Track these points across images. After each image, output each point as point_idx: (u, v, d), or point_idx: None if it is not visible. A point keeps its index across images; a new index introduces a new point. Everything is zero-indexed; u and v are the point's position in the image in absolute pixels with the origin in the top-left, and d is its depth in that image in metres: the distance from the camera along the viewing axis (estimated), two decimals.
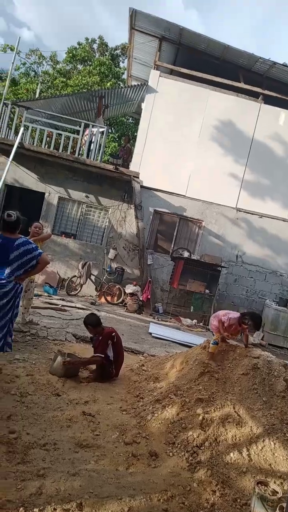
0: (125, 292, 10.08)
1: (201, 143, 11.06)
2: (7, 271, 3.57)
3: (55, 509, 2.24)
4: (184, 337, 7.71)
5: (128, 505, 2.39)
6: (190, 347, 5.88)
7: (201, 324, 10.04)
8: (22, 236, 3.82)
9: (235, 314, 4.45)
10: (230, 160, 11.14)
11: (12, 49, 16.47)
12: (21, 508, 2.19)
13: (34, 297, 6.58)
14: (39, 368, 4.38)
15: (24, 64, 21.13)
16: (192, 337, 7.85)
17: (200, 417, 3.27)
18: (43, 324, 6.15)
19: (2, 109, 10.50)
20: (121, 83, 19.61)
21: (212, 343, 4.24)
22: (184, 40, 11.06)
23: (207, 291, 10.33)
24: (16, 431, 3.01)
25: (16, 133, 10.19)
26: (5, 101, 10.60)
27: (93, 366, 4.61)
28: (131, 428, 3.36)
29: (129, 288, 10.06)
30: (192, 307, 10.35)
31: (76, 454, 2.89)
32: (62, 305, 7.94)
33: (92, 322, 4.63)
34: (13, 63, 11.65)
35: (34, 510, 2.20)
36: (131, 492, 2.52)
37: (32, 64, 21.38)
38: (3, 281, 3.54)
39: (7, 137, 10.46)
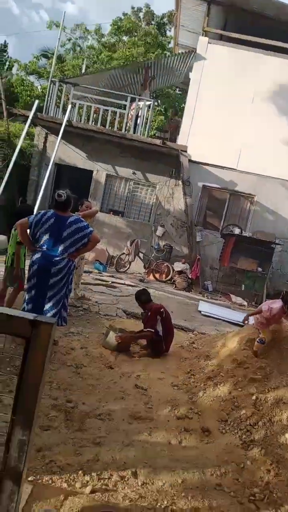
0: (173, 270, 10.05)
1: (254, 112, 10.43)
2: (60, 248, 3.66)
3: (111, 475, 2.33)
4: (235, 315, 7.56)
5: (181, 477, 2.42)
6: (241, 326, 5.76)
7: (253, 303, 9.77)
8: (74, 214, 3.88)
9: (277, 304, 4.05)
10: (286, 129, 10.41)
11: (57, 25, 16.42)
12: (80, 472, 2.30)
13: (84, 273, 6.77)
14: (92, 341, 4.54)
15: (69, 40, 21.08)
16: (244, 316, 7.66)
17: (254, 397, 3.21)
18: (95, 300, 6.33)
19: (50, 87, 10.59)
20: (167, 52, 18.92)
21: (257, 341, 3.91)
22: (235, 0, 10.29)
23: (259, 269, 9.95)
24: (73, 400, 3.16)
25: (64, 111, 10.26)
26: (52, 79, 10.66)
27: (144, 341, 4.68)
28: (183, 403, 3.39)
29: (178, 266, 10.00)
30: (243, 285, 10.07)
31: (130, 426, 2.98)
32: (112, 282, 8.11)
33: (142, 297, 4.69)
34: (59, 39, 11.59)
35: (92, 474, 2.30)
36: (184, 465, 2.55)
37: (77, 39, 21.26)
38: (57, 258, 3.64)
39: (55, 115, 10.58)
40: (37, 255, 3.66)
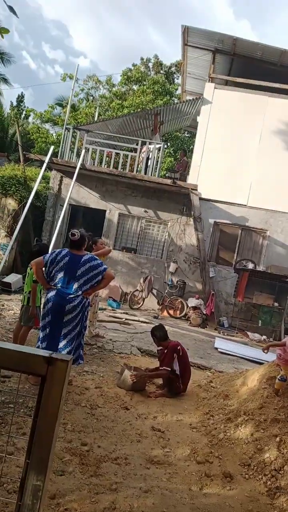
0: (187, 306, 9.95)
1: (262, 151, 10.72)
2: (75, 286, 3.70)
3: None
4: (253, 353, 7.34)
5: None
6: (261, 363, 5.56)
7: (271, 339, 9.48)
8: (88, 252, 3.96)
9: None
10: None
11: (71, 78, 17.60)
12: None
13: (99, 311, 6.75)
14: (107, 381, 4.44)
15: (82, 90, 22.48)
16: (263, 353, 7.41)
17: (278, 439, 3.04)
18: (109, 337, 6.26)
19: (64, 133, 11.19)
20: (175, 99, 19.91)
21: (279, 379, 3.62)
22: (239, 50, 10.94)
23: (276, 304, 9.77)
24: (88, 443, 3.05)
25: (78, 155, 10.76)
26: (67, 126, 11.28)
27: (160, 381, 4.55)
28: (202, 446, 3.23)
29: (192, 302, 9.90)
30: (260, 321, 9.85)
31: (148, 470, 2.84)
32: (126, 319, 8.04)
33: (158, 333, 4.61)
34: (72, 89, 12.40)
35: None
36: None
37: (89, 89, 22.63)
38: (71, 296, 3.67)
39: (70, 159, 11.08)
40: (52, 293, 3.70)
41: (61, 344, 3.65)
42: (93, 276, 3.75)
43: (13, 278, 8.74)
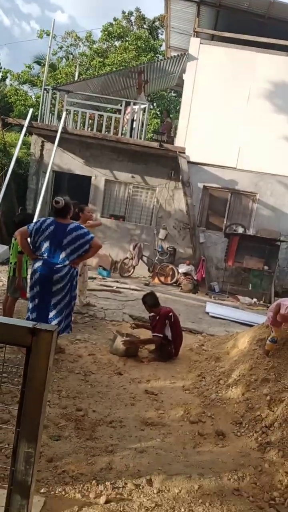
0: (178, 272, 9.98)
1: (250, 110, 10.38)
2: (61, 255, 3.63)
3: (126, 483, 2.27)
4: (244, 316, 7.48)
5: (198, 483, 2.35)
6: (251, 326, 5.67)
7: (261, 302, 9.65)
8: (74, 221, 3.85)
9: None
10: (284, 125, 10.34)
11: (48, 34, 16.52)
12: (94, 481, 2.24)
13: (88, 280, 6.72)
14: (100, 348, 4.48)
15: (61, 47, 21.23)
16: (253, 316, 7.58)
17: (268, 397, 3.13)
18: (100, 306, 6.27)
19: (43, 95, 10.62)
20: (160, 56, 18.98)
21: (269, 340, 3.64)
22: (224, 0, 10.29)
23: (266, 267, 9.82)
24: (83, 408, 3.10)
25: (59, 118, 10.27)
26: (45, 87, 10.69)
27: (152, 346, 4.61)
28: (195, 407, 3.32)
29: (182, 268, 9.93)
30: (250, 285, 9.94)
31: (142, 432, 2.91)
32: (117, 287, 8.05)
33: (150, 301, 4.62)
34: (50, 47, 11.62)
35: (106, 483, 2.24)
36: (200, 471, 2.48)
37: (68, 47, 21.40)
38: (58, 266, 3.60)
39: (50, 123, 10.60)
40: (39, 263, 3.62)
41: (51, 314, 3.62)
42: (80, 245, 3.67)
43: None
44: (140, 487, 2.26)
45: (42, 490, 2.10)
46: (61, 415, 2.95)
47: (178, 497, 2.21)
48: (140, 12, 21.16)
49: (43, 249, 3.62)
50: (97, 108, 11.72)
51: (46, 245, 3.62)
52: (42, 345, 1.24)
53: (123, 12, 21.22)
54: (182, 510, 2.12)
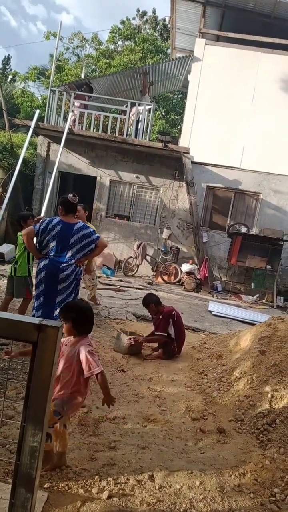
0: (181, 271, 10.02)
1: (254, 110, 10.39)
2: (68, 254, 3.68)
3: (128, 479, 2.30)
4: (246, 314, 7.50)
5: (199, 479, 2.38)
6: (253, 324, 5.69)
7: (263, 301, 9.67)
8: (80, 221, 3.91)
9: None
10: None
11: (55, 36, 16.60)
12: (96, 477, 2.28)
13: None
14: (103, 346, 4.53)
15: (67, 49, 21.28)
16: (255, 315, 7.60)
17: (269, 395, 3.16)
18: (104, 304, 6.32)
19: (49, 96, 10.69)
20: (167, 58, 19.00)
21: None
22: (230, 0, 10.29)
23: (268, 266, 9.86)
24: (86, 405, 3.13)
25: (65, 119, 10.34)
26: (52, 88, 10.76)
27: (155, 344, 4.65)
28: (197, 404, 3.35)
29: (186, 267, 9.97)
30: (252, 284, 9.98)
31: (145, 428, 2.95)
32: (121, 286, 8.10)
33: (151, 301, 4.65)
34: (56, 48, 11.70)
35: (109, 479, 2.27)
36: (202, 467, 2.51)
37: (75, 48, 21.45)
38: (64, 264, 3.65)
39: (57, 124, 10.67)
40: (45, 262, 3.67)
41: (56, 312, 3.66)
42: (86, 244, 3.72)
43: (5, 249, 8.68)
44: (142, 482, 2.29)
45: (45, 485, 2.14)
46: None
47: (180, 493, 2.25)
48: (155, 14, 21.22)
49: (50, 248, 3.68)
50: (102, 109, 11.75)
51: (52, 244, 3.67)
52: (48, 341, 1.29)
53: (138, 11, 21.35)
54: (184, 505, 2.16)
